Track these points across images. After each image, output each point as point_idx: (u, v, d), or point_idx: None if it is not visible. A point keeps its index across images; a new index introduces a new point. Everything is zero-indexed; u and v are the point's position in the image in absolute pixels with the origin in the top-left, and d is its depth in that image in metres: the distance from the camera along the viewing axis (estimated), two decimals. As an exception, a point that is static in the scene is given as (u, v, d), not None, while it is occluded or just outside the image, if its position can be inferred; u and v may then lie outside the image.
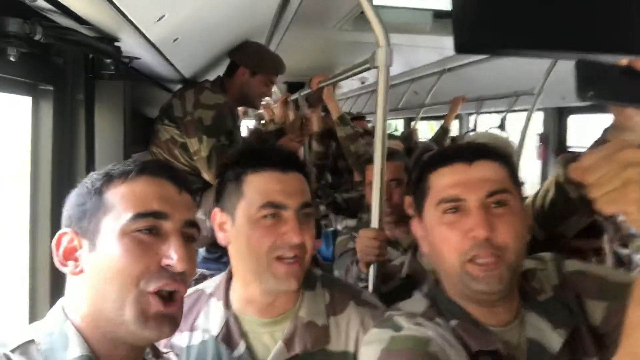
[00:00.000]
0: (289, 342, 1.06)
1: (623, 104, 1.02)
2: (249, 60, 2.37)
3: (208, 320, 1.10)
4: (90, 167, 1.40)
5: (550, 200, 1.20)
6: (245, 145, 2.42)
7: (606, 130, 1.09)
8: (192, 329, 1.10)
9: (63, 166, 1.34)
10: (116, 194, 0.82)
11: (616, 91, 0.95)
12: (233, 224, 1.06)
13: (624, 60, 0.96)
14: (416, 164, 1.73)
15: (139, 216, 0.80)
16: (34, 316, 1.36)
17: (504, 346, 0.93)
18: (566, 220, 1.19)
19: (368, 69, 1.58)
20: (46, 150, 1.29)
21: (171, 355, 1.00)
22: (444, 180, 0.97)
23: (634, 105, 0.98)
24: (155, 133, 2.22)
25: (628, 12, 1.26)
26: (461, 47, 1.38)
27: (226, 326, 1.08)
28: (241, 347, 1.07)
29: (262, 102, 3.73)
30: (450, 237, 0.94)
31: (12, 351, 0.75)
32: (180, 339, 1.09)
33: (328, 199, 3.09)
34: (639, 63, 0.94)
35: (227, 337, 1.07)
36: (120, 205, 0.81)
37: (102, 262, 0.79)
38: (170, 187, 0.86)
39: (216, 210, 1.10)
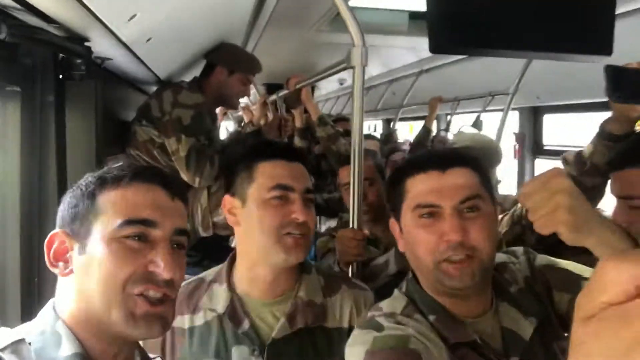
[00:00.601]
0: (291, 318, 1.16)
1: None
2: (226, 60, 2.36)
3: (212, 301, 1.19)
4: (61, 170, 1.36)
5: None
6: (254, 140, 2.41)
7: (606, 122, 1.21)
8: (194, 311, 1.19)
9: (32, 171, 1.30)
10: (108, 199, 0.83)
11: (636, 92, 1.05)
12: (243, 207, 1.18)
13: (634, 64, 1.06)
14: (390, 166, 1.77)
15: (128, 223, 0.81)
16: (4, 321, 1.32)
17: (479, 336, 0.97)
18: None
19: (344, 68, 1.58)
20: (13, 154, 1.25)
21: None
22: (420, 187, 1.02)
23: None
24: (132, 134, 2.18)
25: (590, 16, 1.31)
26: (436, 48, 1.39)
27: (231, 305, 1.17)
28: (245, 324, 1.15)
29: (241, 104, 3.71)
30: (425, 240, 0.99)
31: (2, 350, 0.75)
32: (181, 321, 1.18)
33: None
34: None
35: (233, 315, 1.16)
36: (111, 211, 0.82)
37: (90, 265, 0.81)
38: (163, 194, 0.86)
39: (227, 196, 1.22)
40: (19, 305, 1.28)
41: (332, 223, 3.08)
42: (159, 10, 1.41)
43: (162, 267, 0.81)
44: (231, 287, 1.20)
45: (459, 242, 0.95)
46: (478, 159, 1.08)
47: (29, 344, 0.78)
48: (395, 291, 1.09)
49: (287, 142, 2.83)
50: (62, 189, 1.36)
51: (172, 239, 0.84)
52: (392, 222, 1.10)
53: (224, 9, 2.01)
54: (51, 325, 0.80)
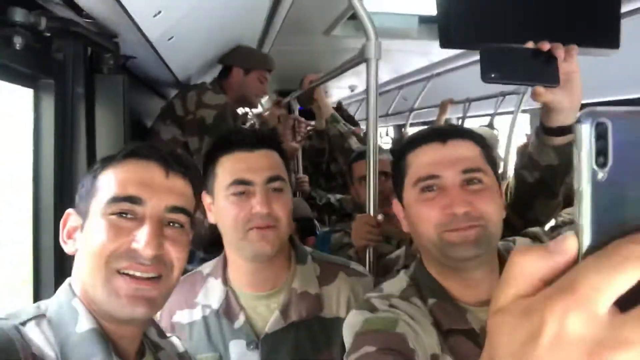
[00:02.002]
0: (284, 311, 1.15)
1: (526, 82, 1.09)
2: (240, 59, 2.45)
3: (208, 297, 1.18)
4: (91, 159, 1.43)
5: (513, 188, 1.26)
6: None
7: (541, 117, 1.14)
8: (191, 306, 1.18)
9: (65, 157, 1.36)
10: (103, 177, 0.84)
11: (520, 72, 1.02)
12: (213, 203, 1.17)
13: (530, 43, 1.02)
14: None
15: (114, 200, 0.81)
16: (38, 297, 1.38)
17: (482, 326, 0.94)
18: (532, 205, 1.24)
19: (358, 63, 1.64)
20: (48, 142, 1.32)
21: (174, 339, 1.03)
22: (420, 160, 1.00)
23: (536, 83, 1.03)
24: (156, 134, 2.25)
25: (596, 9, 1.33)
26: (446, 43, 1.44)
27: (226, 300, 1.16)
28: (241, 319, 1.15)
29: (253, 112, 3.78)
30: (428, 214, 0.96)
31: (23, 324, 0.76)
32: (181, 316, 1.18)
33: (322, 200, 3.12)
34: (545, 45, 1.01)
35: (228, 310, 1.15)
36: (103, 188, 0.83)
37: (84, 242, 0.83)
38: (157, 169, 0.85)
39: (203, 193, 1.18)
40: (53, 285, 1.34)
41: (343, 225, 3.10)
42: (181, 8, 1.49)
43: (142, 243, 0.79)
44: (226, 281, 1.19)
45: (464, 213, 0.92)
46: (481, 134, 1.07)
47: (49, 319, 0.79)
48: (401, 272, 1.08)
49: (250, 129, 2.75)
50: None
51: (164, 216, 0.83)
52: (395, 203, 1.07)
53: (241, 12, 2.08)
54: (68, 302, 0.81)
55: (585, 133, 0.30)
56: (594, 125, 0.30)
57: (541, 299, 0.30)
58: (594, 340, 0.27)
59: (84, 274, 0.81)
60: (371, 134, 1.62)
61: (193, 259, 2.91)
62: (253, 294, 1.18)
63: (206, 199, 1.19)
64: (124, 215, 0.81)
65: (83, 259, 0.82)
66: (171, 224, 0.85)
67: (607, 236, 0.30)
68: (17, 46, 1.01)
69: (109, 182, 0.83)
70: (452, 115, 4.29)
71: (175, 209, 0.85)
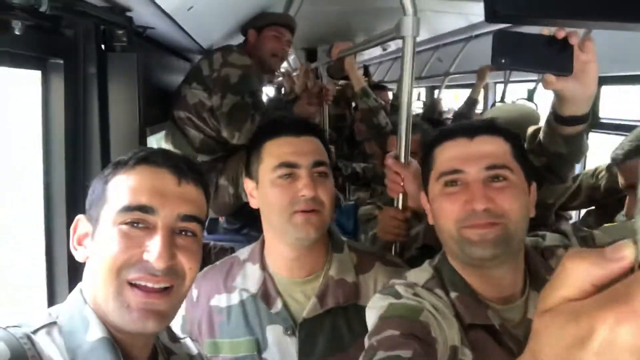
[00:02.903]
0: (321, 298, 1.16)
1: (538, 70, 1.04)
2: (252, 21, 2.36)
3: (246, 281, 1.19)
4: (105, 142, 1.37)
5: None
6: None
7: (553, 105, 1.11)
8: (229, 290, 1.20)
9: (77, 142, 1.30)
10: (115, 184, 0.82)
11: (532, 59, 0.97)
12: (258, 188, 1.18)
13: (545, 30, 0.97)
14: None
15: (126, 209, 0.79)
16: (52, 300, 1.36)
17: (502, 323, 0.94)
18: (539, 188, 1.24)
19: (393, 38, 1.50)
20: (59, 126, 1.25)
21: (187, 340, 1.02)
22: (446, 154, 1.00)
23: (548, 71, 1.00)
24: (182, 98, 2.21)
25: None
26: (492, 17, 1.29)
27: (264, 285, 1.17)
28: (278, 304, 1.16)
29: (282, 70, 3.66)
30: (449, 209, 0.96)
31: (35, 332, 0.76)
32: (219, 300, 1.20)
33: (348, 170, 3.04)
34: (561, 32, 0.95)
35: (265, 295, 1.17)
36: (114, 196, 0.81)
37: (96, 251, 0.81)
38: (169, 177, 0.83)
39: (246, 179, 1.22)
40: (67, 285, 1.31)
41: (361, 194, 3.04)
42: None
43: (154, 255, 0.78)
44: (264, 266, 1.20)
45: (484, 209, 0.91)
46: (510, 129, 1.04)
47: (60, 327, 0.78)
48: (426, 263, 1.08)
49: (295, 117, 2.78)
50: (105, 161, 1.37)
51: (175, 225, 0.82)
52: (422, 196, 1.08)
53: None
54: (79, 310, 0.80)
55: None
56: None
57: (593, 305, 0.30)
58: None
59: (96, 284, 0.80)
60: (404, 116, 1.49)
61: (216, 229, 2.90)
62: (290, 279, 1.19)
63: (249, 184, 1.21)
64: (135, 224, 0.79)
65: (94, 269, 0.80)
66: (183, 233, 0.83)
67: None
68: (17, 31, 0.92)
69: (120, 190, 0.81)
70: (492, 80, 4.07)
71: (187, 218, 0.83)
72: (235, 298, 1.19)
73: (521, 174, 0.98)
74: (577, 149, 1.18)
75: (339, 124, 3.48)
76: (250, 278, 1.19)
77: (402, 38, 1.41)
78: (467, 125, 1.04)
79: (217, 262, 1.29)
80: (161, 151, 0.89)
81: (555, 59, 0.99)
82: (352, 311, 1.17)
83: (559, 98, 1.06)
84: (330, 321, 1.16)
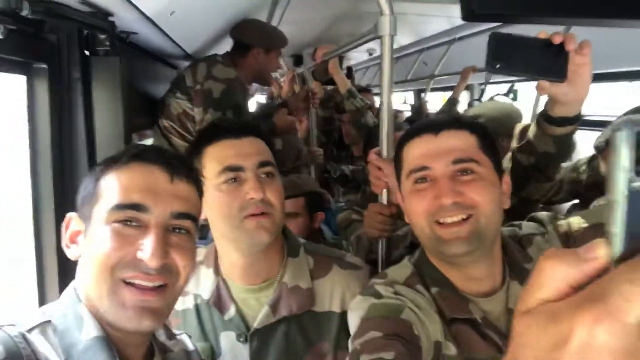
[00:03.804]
0: (274, 306, 1.12)
1: (531, 76, 1.03)
2: (261, 40, 2.37)
3: (198, 285, 1.15)
4: (91, 145, 1.38)
5: (509, 169, 1.27)
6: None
7: (545, 105, 1.11)
8: (184, 294, 1.12)
9: (63, 146, 1.32)
10: (106, 182, 0.82)
11: (527, 64, 0.97)
12: (204, 194, 1.11)
13: (542, 34, 0.97)
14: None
15: (118, 207, 0.79)
16: (43, 300, 1.36)
17: (484, 316, 0.95)
18: (525, 186, 1.27)
19: (372, 38, 1.53)
20: (44, 129, 1.27)
21: (184, 336, 1.01)
22: (413, 152, 1.00)
23: (542, 77, 0.99)
24: (166, 107, 2.22)
25: None
26: (468, 15, 1.32)
27: (217, 291, 1.13)
28: (232, 311, 1.12)
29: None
30: (419, 205, 0.97)
31: (29, 330, 0.75)
32: None
33: (336, 172, 3.07)
34: (558, 37, 0.95)
35: (218, 302, 1.13)
36: (106, 194, 0.80)
37: (88, 249, 0.80)
38: (161, 175, 0.82)
39: None
40: (57, 285, 1.31)
41: (352, 197, 3.06)
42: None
43: (147, 254, 0.77)
44: (217, 271, 1.15)
45: (453, 203, 0.92)
46: (479, 123, 1.05)
47: (54, 325, 0.78)
48: (405, 259, 1.08)
49: (235, 119, 2.80)
50: (92, 164, 1.38)
51: (169, 223, 0.81)
52: (398, 194, 1.07)
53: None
54: (73, 308, 0.80)
55: (623, 141, 0.30)
56: (633, 133, 0.30)
57: (570, 306, 0.30)
58: (623, 351, 0.27)
59: (89, 283, 0.79)
60: (385, 114, 1.52)
61: (206, 234, 2.91)
62: (244, 286, 1.15)
63: None
64: (128, 223, 0.79)
65: (88, 267, 0.79)
66: (177, 230, 0.82)
67: None
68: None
69: (112, 188, 0.80)
70: (474, 81, 4.13)
71: (180, 215, 0.82)
72: (189, 302, 1.16)
73: (490, 166, 0.98)
74: (567, 149, 1.19)
75: (327, 127, 3.51)
76: (203, 283, 1.15)
77: (381, 37, 1.44)
78: (431, 121, 1.05)
79: None
80: (153, 148, 0.88)
81: (549, 63, 0.98)
82: (307, 318, 1.14)
83: (551, 100, 1.06)
84: (283, 330, 1.12)
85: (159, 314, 0.80)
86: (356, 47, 1.74)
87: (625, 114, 1.46)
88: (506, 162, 1.31)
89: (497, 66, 0.95)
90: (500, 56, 0.95)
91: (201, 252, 1.21)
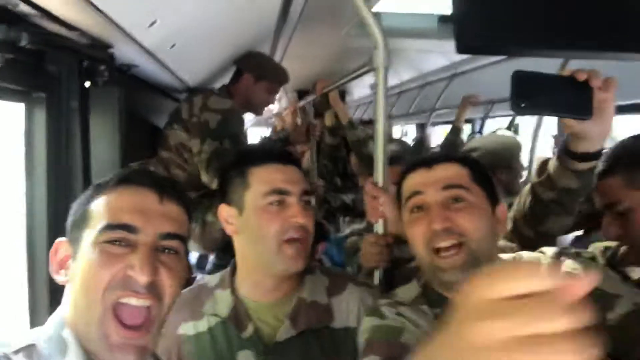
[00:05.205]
0: (294, 320, 1.14)
1: (557, 115, 1.06)
2: (252, 67, 2.40)
3: (215, 307, 1.17)
4: (86, 174, 1.39)
5: (528, 202, 1.29)
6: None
7: (566, 140, 1.12)
8: (197, 317, 1.16)
9: (59, 174, 1.33)
10: (96, 205, 0.82)
11: (551, 102, 0.97)
12: (240, 215, 1.15)
13: (566, 72, 0.97)
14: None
15: (107, 228, 0.79)
16: (34, 324, 1.35)
17: None
18: (545, 221, 1.27)
19: (367, 71, 1.56)
20: (40, 158, 1.28)
21: None
22: (409, 183, 1.07)
23: (568, 115, 0.99)
24: (165, 138, 2.25)
25: (629, 11, 1.21)
26: (463, 48, 1.34)
27: (235, 310, 1.15)
28: (250, 329, 1.14)
29: (274, 111, 3.75)
30: (415, 233, 1.01)
31: (15, 352, 0.75)
32: (186, 328, 1.16)
33: (337, 202, 3.07)
34: (581, 75, 0.96)
35: (236, 319, 1.15)
36: (96, 216, 0.81)
37: (77, 272, 0.79)
38: (151, 196, 0.83)
39: (222, 205, 1.19)
40: (47, 311, 1.30)
41: (357, 226, 3.05)
42: (180, 16, 1.43)
43: (138, 268, 0.77)
44: (234, 292, 1.18)
45: (445, 229, 0.96)
46: (471, 156, 1.11)
47: (39, 349, 0.77)
48: (414, 280, 1.11)
49: (280, 146, 2.81)
50: (87, 193, 1.39)
51: (158, 243, 0.81)
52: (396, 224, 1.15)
53: (250, 14, 2.02)
54: (58, 332, 0.79)
55: None
56: None
57: (495, 316, 0.34)
58: None
59: (78, 308, 0.78)
60: (380, 144, 1.54)
61: (205, 264, 2.90)
62: (262, 302, 1.17)
63: (226, 210, 1.18)
64: (117, 243, 0.78)
65: (77, 291, 0.79)
66: (166, 251, 0.82)
67: None
68: (-2, 64, 0.97)
69: (102, 210, 0.81)
70: (476, 116, 4.16)
71: (169, 236, 0.82)
72: (203, 325, 1.16)
73: (482, 195, 1.02)
74: (589, 184, 1.19)
75: (334, 154, 3.52)
76: (220, 304, 1.17)
77: (375, 69, 1.47)
78: (426, 156, 1.12)
79: (184, 290, 1.28)
80: (142, 170, 0.90)
81: (574, 100, 0.97)
82: (326, 333, 1.16)
83: (574, 135, 1.07)
84: (302, 344, 1.13)
85: (144, 350, 0.79)
86: (353, 79, 1.77)
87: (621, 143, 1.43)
88: (524, 196, 1.31)
89: (522, 105, 0.95)
90: (524, 95, 0.95)
91: (213, 278, 1.24)
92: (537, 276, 0.34)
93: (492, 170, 2.30)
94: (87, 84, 1.35)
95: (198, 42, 1.82)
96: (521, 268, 0.35)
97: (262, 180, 1.14)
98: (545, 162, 1.34)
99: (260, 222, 1.12)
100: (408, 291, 1.08)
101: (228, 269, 1.23)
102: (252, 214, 1.13)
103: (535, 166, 3.08)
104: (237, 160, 1.21)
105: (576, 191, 1.18)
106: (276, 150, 1.24)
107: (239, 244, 1.19)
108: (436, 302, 1.02)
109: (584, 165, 1.12)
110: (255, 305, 1.17)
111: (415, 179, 1.05)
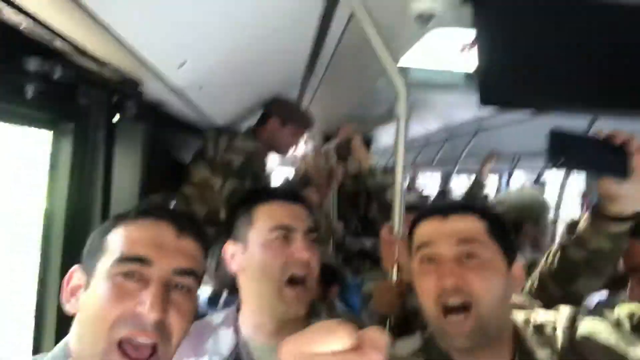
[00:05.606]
0: None
1: (594, 173, 1.05)
2: (279, 111, 2.45)
3: (218, 345, 1.15)
4: (106, 206, 1.42)
5: (557, 261, 1.25)
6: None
7: (598, 201, 1.11)
8: (199, 355, 1.14)
9: (79, 205, 1.35)
10: (114, 236, 0.82)
11: (588, 161, 0.98)
12: (245, 251, 1.16)
13: (602, 133, 0.99)
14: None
15: (122, 260, 0.79)
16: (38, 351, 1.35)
17: None
18: (575, 281, 1.22)
19: (389, 121, 1.58)
20: (62, 184, 1.31)
21: None
22: (422, 232, 1.03)
23: (604, 174, 1.00)
24: (189, 174, 2.29)
25: None
26: (486, 101, 1.34)
27: (236, 349, 1.14)
28: None
29: (300, 153, 3.80)
30: (425, 285, 0.98)
31: None
32: None
33: (356, 246, 3.04)
34: (618, 137, 0.98)
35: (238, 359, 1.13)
36: (112, 247, 0.81)
37: (88, 303, 0.79)
38: (168, 229, 0.83)
39: (228, 242, 1.20)
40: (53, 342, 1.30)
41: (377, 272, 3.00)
42: (210, 57, 1.48)
43: (147, 306, 0.76)
44: (237, 331, 1.17)
45: (454, 287, 0.93)
46: (490, 209, 1.07)
47: None
48: (417, 333, 1.08)
49: (297, 187, 2.80)
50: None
51: (172, 279, 0.80)
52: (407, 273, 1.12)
53: (279, 58, 2.07)
54: None
55: None
56: None
57: None
58: None
59: (84, 340, 0.78)
60: (398, 192, 1.53)
61: (217, 302, 2.87)
62: (266, 345, 1.15)
63: (232, 248, 1.19)
64: (130, 276, 0.78)
65: (85, 322, 0.78)
66: (178, 287, 0.82)
67: None
68: (29, 94, 1.01)
69: (118, 241, 0.81)
70: (502, 169, 4.12)
71: (183, 272, 0.82)
72: None
73: (497, 251, 0.98)
74: (622, 246, 1.16)
75: (354, 198, 3.51)
76: (222, 343, 1.16)
77: (397, 120, 1.49)
78: (442, 204, 1.08)
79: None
80: (162, 205, 0.91)
81: (610, 161, 0.99)
82: None
83: (606, 197, 1.07)
84: None
85: None
86: (374, 127, 1.79)
87: None
88: (553, 254, 1.28)
89: (560, 162, 0.97)
90: (562, 151, 0.96)
91: (217, 316, 1.23)
92: (335, 337, 0.43)
93: (519, 225, 2.26)
94: (115, 117, 1.40)
95: (227, 83, 1.86)
96: (321, 330, 0.46)
97: (267, 216, 1.16)
98: (573, 224, 1.31)
99: (264, 257, 1.12)
100: (408, 344, 1.05)
101: (233, 307, 1.23)
102: (256, 250, 1.13)
103: (561, 221, 3.01)
104: (245, 198, 1.23)
105: (608, 253, 1.15)
106: (282, 189, 1.24)
107: (242, 283, 1.19)
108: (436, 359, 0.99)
109: (617, 228, 1.10)
110: (258, 347, 1.15)
111: (428, 228, 1.02)
